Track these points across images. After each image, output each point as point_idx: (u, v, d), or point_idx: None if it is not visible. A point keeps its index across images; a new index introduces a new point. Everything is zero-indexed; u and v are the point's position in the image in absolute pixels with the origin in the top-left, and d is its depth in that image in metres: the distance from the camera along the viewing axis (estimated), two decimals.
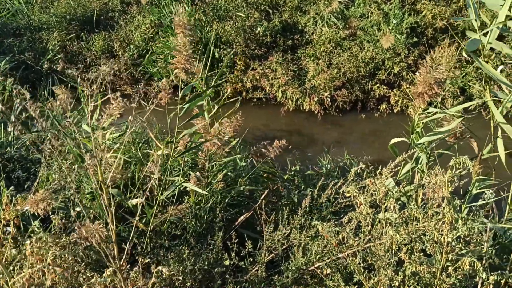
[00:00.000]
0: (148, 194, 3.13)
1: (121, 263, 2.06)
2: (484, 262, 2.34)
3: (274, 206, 3.40)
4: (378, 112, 6.94)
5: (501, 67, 2.29)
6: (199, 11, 7.99)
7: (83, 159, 2.15)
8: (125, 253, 2.01)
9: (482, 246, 1.77)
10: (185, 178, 3.24)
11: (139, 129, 4.93)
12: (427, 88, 2.20)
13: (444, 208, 1.65)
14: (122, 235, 2.86)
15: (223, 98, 3.06)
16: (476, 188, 2.12)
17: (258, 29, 7.60)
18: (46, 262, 2.06)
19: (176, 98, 2.66)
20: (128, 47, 8.02)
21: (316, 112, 6.90)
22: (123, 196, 2.98)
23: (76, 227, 1.98)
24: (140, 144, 4.36)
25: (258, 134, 6.26)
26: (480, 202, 2.11)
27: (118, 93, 2.10)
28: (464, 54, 2.46)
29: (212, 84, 3.28)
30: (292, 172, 3.95)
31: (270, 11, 8.14)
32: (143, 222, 2.82)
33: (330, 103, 6.91)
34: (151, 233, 2.81)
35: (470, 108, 6.69)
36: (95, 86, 1.90)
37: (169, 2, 8.25)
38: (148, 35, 8.12)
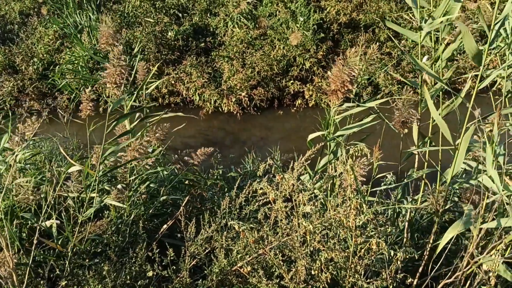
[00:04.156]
0: (64, 213, 3.00)
1: None
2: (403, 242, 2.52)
3: (199, 211, 3.40)
4: (294, 108, 7.16)
5: (426, 57, 2.45)
6: (105, 19, 7.73)
7: None
8: (26, 278, 1.91)
9: (387, 227, 1.91)
10: (104, 194, 3.14)
11: (52, 146, 4.69)
12: (340, 85, 2.30)
13: (349, 194, 1.76)
14: (37, 259, 2.71)
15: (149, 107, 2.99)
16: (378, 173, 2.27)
17: (169, 33, 7.52)
18: None
19: (99, 111, 2.55)
20: (32, 61, 7.58)
21: (235, 112, 6.98)
22: (35, 219, 2.82)
23: None
24: (55, 162, 4.15)
25: (178, 139, 6.20)
26: (383, 186, 2.28)
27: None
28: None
29: (135, 95, 3.19)
30: (215, 176, 3.96)
31: (180, 15, 8.08)
32: (59, 243, 2.69)
33: (248, 103, 7.01)
34: (70, 253, 2.69)
35: (378, 98, 7.13)
36: None
37: (72, 11, 7.90)
38: (53, 46, 7.72)
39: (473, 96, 2.00)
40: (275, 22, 7.67)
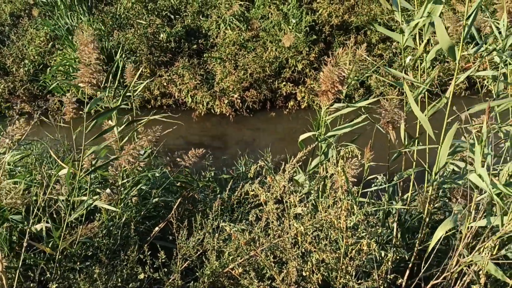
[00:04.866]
0: (55, 216, 2.98)
1: None
2: (393, 243, 2.53)
3: (191, 213, 3.39)
4: (287, 110, 7.17)
5: (409, 57, 2.47)
6: (97, 21, 7.70)
7: None
8: (15, 281, 1.89)
9: (378, 228, 1.91)
10: (95, 196, 3.12)
11: (43, 148, 4.66)
12: (330, 86, 2.31)
13: (340, 196, 1.76)
14: (28, 262, 2.69)
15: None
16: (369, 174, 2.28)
17: (161, 35, 7.51)
18: None
19: (82, 112, 2.54)
20: (23, 63, 7.53)
21: (227, 114, 6.98)
22: (25, 222, 2.80)
23: None
24: (46, 164, 4.12)
25: (171, 141, 6.18)
26: (373, 187, 2.29)
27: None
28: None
29: (121, 96, 3.18)
30: (207, 178, 3.96)
31: (172, 17, 8.07)
32: (50, 246, 2.68)
33: (240, 104, 7.01)
34: (60, 256, 2.67)
35: (376, 99, 7.16)
36: None
37: (63, 13, 7.87)
38: (44, 48, 7.68)
39: (451, 93, 2.02)
40: (268, 24, 7.69)
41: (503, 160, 1.90)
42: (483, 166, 1.66)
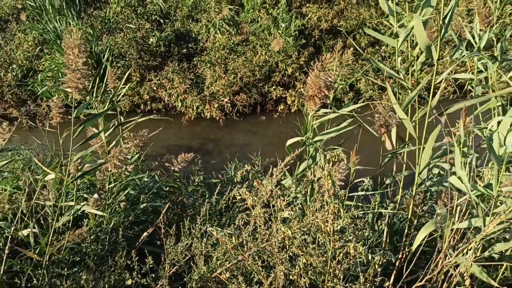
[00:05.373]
0: (43, 222, 2.95)
1: None
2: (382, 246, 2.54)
3: (180, 218, 3.38)
4: (277, 113, 7.18)
5: (399, 59, 2.50)
6: (86, 25, 7.67)
7: None
8: None
9: (365, 231, 1.92)
10: (82, 201, 3.10)
11: (32, 153, 4.62)
12: (317, 91, 2.32)
13: (327, 199, 1.77)
14: (14, 269, 2.66)
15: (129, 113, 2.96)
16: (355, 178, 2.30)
17: (151, 39, 7.50)
18: None
19: (70, 117, 2.52)
20: (11, 67, 7.47)
21: (217, 118, 6.97)
22: (12, 228, 2.77)
23: None
24: (33, 169, 4.09)
25: (160, 145, 6.17)
26: (360, 192, 2.30)
27: None
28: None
29: (109, 101, 3.17)
30: (196, 183, 3.95)
31: (162, 21, 8.06)
32: (37, 252, 2.65)
33: (230, 108, 7.02)
34: (47, 263, 2.65)
35: (357, 103, 7.22)
36: None
37: (52, 17, 7.82)
38: (32, 53, 7.62)
39: (431, 92, 2.04)
40: (257, 28, 7.71)
41: (487, 162, 1.92)
42: (463, 168, 1.68)
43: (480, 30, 2.40)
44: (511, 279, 2.02)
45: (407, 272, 2.00)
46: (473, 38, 2.19)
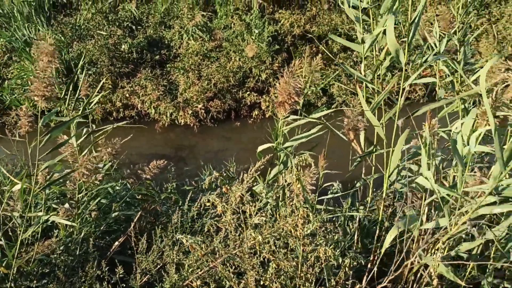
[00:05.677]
0: (11, 234, 2.86)
1: None
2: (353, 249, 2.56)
3: (152, 226, 3.33)
4: (252, 119, 7.19)
5: (363, 63, 2.54)
6: (56, 32, 7.54)
7: None
8: None
9: (335, 234, 1.94)
10: (52, 211, 3.03)
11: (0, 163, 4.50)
12: (286, 97, 2.33)
13: (296, 204, 1.77)
14: None
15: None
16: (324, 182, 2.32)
17: (123, 46, 7.41)
18: None
19: (40, 126, 2.46)
20: None
21: (191, 125, 6.93)
22: None
23: None
24: (0, 181, 3.99)
25: (134, 153, 6.09)
26: (329, 195, 2.32)
27: None
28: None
29: (81, 109, 3.11)
30: (169, 190, 3.91)
31: (134, 27, 7.99)
32: (4, 265, 2.57)
33: (204, 115, 6.99)
34: (15, 275, 2.57)
35: (332, 108, 7.31)
36: None
37: (21, 24, 7.66)
38: (0, 61, 7.44)
39: (400, 95, 2.08)
40: (230, 34, 7.72)
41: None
42: (430, 169, 1.71)
43: (445, 35, 2.46)
44: (478, 279, 2.06)
45: (377, 274, 2.02)
46: (435, 43, 2.25)
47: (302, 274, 1.88)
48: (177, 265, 2.21)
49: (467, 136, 1.67)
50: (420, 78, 2.54)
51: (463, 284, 1.71)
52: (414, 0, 1.99)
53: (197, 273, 2.04)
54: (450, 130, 2.13)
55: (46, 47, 2.12)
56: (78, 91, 3.18)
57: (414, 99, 7.14)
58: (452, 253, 1.82)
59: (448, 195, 1.73)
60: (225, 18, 7.98)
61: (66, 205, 3.11)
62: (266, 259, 1.94)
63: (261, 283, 1.86)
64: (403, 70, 2.05)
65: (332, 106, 7.07)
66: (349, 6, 2.25)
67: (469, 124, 1.63)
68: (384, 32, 2.26)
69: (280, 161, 2.69)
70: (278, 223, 1.95)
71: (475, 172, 1.84)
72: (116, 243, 2.91)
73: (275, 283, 1.86)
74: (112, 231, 3.38)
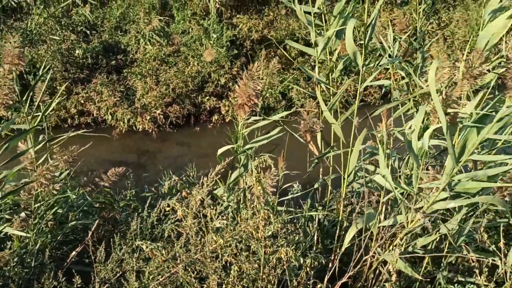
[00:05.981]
0: None
1: None
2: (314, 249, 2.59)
3: (111, 235, 3.26)
4: (211, 124, 7.16)
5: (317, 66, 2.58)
6: (5, 37, 7.25)
7: None
8: None
9: (296, 235, 1.96)
10: (6, 222, 2.91)
11: None
12: (246, 100, 2.34)
13: (257, 206, 1.78)
14: None
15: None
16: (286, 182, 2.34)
17: (77, 51, 7.22)
18: None
19: None
20: None
21: (150, 130, 6.83)
22: None
23: None
24: None
25: (91, 161, 5.92)
26: (290, 195, 2.35)
27: None
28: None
29: (40, 116, 3.01)
30: (128, 197, 3.83)
31: (88, 32, 7.80)
32: None
33: (163, 120, 6.90)
34: None
35: (291, 111, 7.39)
36: None
37: None
38: None
39: (358, 97, 2.14)
40: (189, 39, 7.67)
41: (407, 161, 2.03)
42: (387, 168, 1.77)
43: (400, 38, 2.55)
44: (434, 273, 2.14)
45: (338, 273, 2.06)
46: (389, 46, 2.32)
47: (264, 276, 1.89)
48: (137, 273, 2.16)
49: (418, 132, 1.73)
50: (375, 80, 2.62)
51: (419, 278, 1.77)
52: (368, 5, 2.05)
53: (158, 279, 2.00)
54: (403, 130, 2.21)
55: (11, 50, 2.04)
56: (32, 97, 3.07)
57: (370, 101, 7.33)
58: (409, 249, 1.88)
59: (403, 192, 1.79)
60: (182, 23, 7.93)
61: (23, 214, 2.99)
62: (228, 263, 1.93)
63: (224, 286, 1.85)
64: (361, 72, 2.10)
65: (291, 110, 7.16)
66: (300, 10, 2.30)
67: (419, 121, 1.69)
68: (336, 35, 2.32)
69: (241, 164, 2.70)
70: (240, 226, 1.95)
71: (428, 170, 1.91)
72: (74, 253, 2.82)
73: (238, 286, 1.86)
74: (69, 241, 3.28)
